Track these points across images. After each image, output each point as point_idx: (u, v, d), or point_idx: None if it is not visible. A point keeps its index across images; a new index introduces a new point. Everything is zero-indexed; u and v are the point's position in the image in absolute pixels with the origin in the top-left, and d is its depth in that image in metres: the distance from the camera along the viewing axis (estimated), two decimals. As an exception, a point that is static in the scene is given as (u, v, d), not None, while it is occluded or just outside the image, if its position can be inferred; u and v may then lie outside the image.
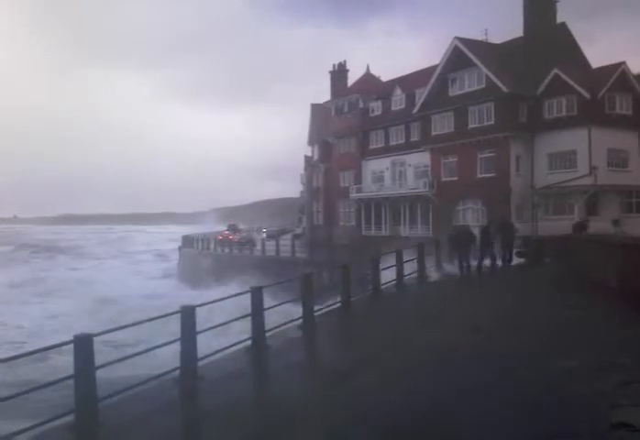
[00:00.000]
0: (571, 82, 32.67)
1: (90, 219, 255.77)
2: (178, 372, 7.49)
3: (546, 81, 33.77)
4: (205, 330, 7.92)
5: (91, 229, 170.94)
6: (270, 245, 38.73)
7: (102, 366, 6.22)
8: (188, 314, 7.60)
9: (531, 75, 34.34)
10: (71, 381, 5.98)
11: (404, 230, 41.28)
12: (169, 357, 7.92)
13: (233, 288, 22.28)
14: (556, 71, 33.23)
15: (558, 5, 37.25)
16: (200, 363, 7.72)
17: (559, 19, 37.64)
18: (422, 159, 40.66)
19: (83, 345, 6.00)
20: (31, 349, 6.32)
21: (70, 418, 6.02)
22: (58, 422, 5.98)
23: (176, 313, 7.62)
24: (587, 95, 32.09)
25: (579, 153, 32.32)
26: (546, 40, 34.77)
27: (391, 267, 16.01)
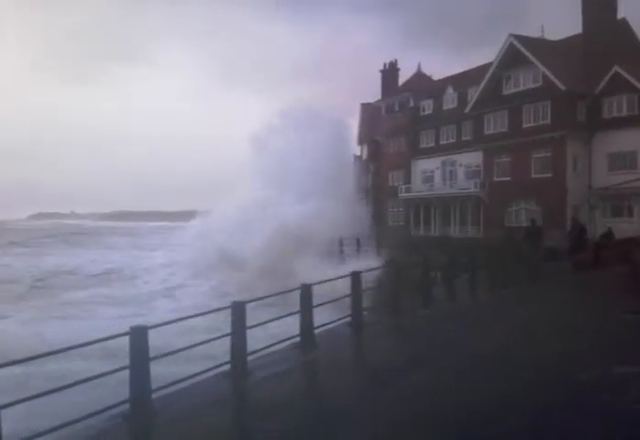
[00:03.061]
0: (632, 80, 31.42)
1: (144, 216, 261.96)
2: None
3: (606, 78, 32.58)
4: (257, 325, 7.97)
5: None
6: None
7: (156, 357, 6.33)
8: (238, 309, 7.65)
9: (589, 73, 33.21)
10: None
11: (454, 231, 40.63)
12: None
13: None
14: (616, 68, 32.03)
15: (620, 2, 35.94)
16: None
17: (620, 15, 36.32)
18: (473, 158, 39.92)
19: (139, 336, 6.12)
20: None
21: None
22: (112, 411, 6.11)
23: (226, 308, 7.69)
24: (649, 93, 30.81)
25: (640, 153, 31.08)
26: (605, 37, 33.46)
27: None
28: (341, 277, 10.80)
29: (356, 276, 10.70)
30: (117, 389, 6.46)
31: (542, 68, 34.25)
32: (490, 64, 38.23)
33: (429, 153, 44.32)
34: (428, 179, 44.65)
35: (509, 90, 36.94)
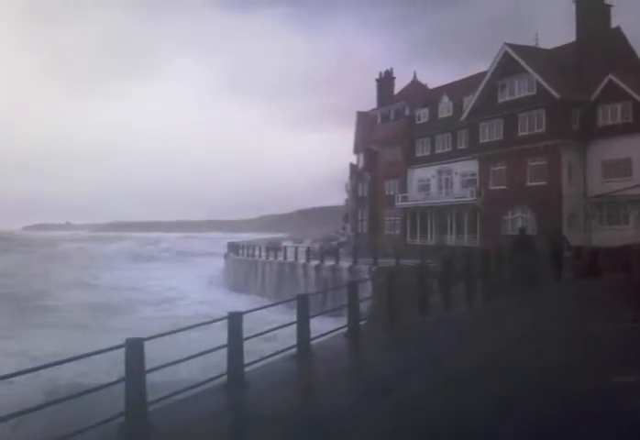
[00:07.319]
0: (627, 88, 31.63)
1: (139, 226, 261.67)
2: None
3: (601, 86, 32.78)
4: (253, 336, 7.93)
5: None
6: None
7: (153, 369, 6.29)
8: (235, 320, 7.61)
9: (584, 81, 33.43)
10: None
11: (451, 239, 40.65)
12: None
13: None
14: (610, 76, 32.24)
15: (614, 10, 36.25)
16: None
17: (616, 24, 36.62)
18: (469, 167, 40.04)
19: (135, 349, 6.08)
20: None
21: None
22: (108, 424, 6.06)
23: (223, 318, 7.65)
24: (643, 101, 30.99)
25: (634, 161, 31.19)
26: (599, 45, 33.80)
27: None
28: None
29: (352, 286, 10.68)
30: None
31: (536, 76, 34.46)
32: (484, 73, 38.46)
33: (425, 162, 44.42)
34: (424, 187, 44.72)
35: (504, 98, 37.13)
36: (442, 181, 43.12)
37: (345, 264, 32.65)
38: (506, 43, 36.63)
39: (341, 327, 10.79)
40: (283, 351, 9.02)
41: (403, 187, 46.28)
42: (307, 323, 9.08)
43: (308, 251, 37.85)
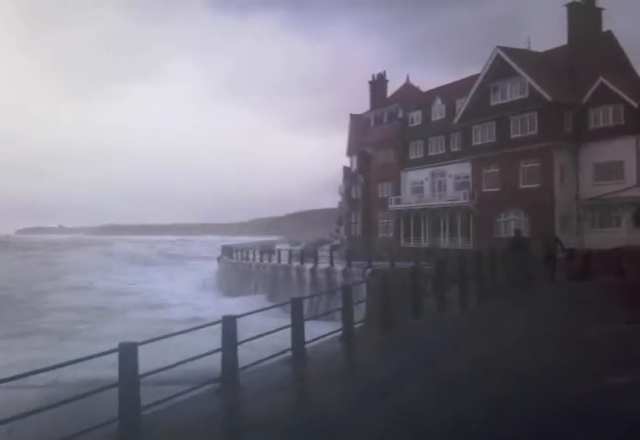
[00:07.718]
0: (618, 91, 31.82)
1: (133, 229, 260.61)
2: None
3: (592, 89, 32.97)
4: (247, 340, 7.89)
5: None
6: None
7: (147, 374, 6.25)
8: (229, 324, 7.58)
9: (576, 84, 33.62)
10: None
11: (444, 242, 40.72)
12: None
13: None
14: (602, 79, 32.44)
15: (605, 13, 36.51)
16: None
17: (607, 27, 36.85)
18: (462, 169, 40.15)
19: (128, 353, 6.03)
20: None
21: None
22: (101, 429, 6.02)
23: (217, 322, 7.61)
24: (634, 104, 31.17)
25: (626, 164, 31.36)
26: (590, 49, 34.03)
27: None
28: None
29: (346, 289, 10.67)
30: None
31: (528, 79, 34.63)
32: (477, 76, 38.61)
33: (418, 164, 44.51)
34: (418, 190, 44.80)
35: (496, 101, 37.27)
36: (435, 184, 43.22)
37: (339, 267, 32.64)
38: (498, 46, 36.82)
39: (336, 331, 10.77)
40: (277, 355, 8.99)
41: (397, 189, 46.34)
42: (302, 326, 9.06)
43: (302, 254, 37.99)
